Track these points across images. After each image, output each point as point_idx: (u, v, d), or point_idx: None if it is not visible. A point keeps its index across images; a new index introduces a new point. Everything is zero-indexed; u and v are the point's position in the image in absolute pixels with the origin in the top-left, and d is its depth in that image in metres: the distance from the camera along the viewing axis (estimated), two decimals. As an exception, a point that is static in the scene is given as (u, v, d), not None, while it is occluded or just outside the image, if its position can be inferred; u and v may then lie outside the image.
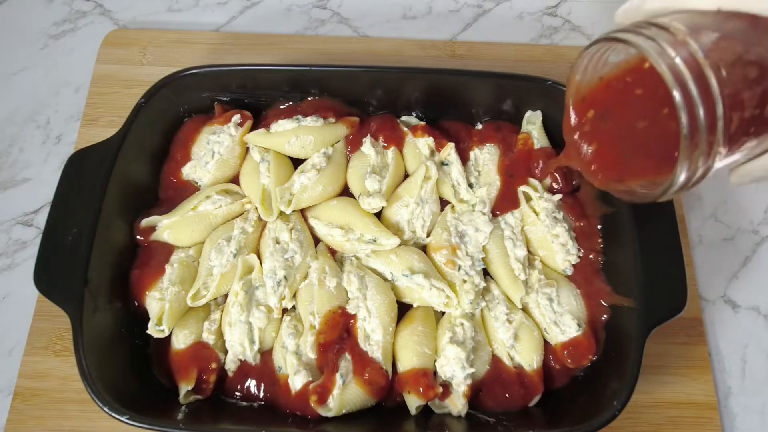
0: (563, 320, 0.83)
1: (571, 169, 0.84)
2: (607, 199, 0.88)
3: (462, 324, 0.82)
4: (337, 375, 0.78)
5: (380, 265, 0.87)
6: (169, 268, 0.86)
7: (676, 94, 0.43)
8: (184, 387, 0.80)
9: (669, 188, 0.49)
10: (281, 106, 0.97)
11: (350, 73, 0.93)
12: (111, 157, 0.85)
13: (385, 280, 0.86)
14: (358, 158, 0.94)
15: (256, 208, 0.90)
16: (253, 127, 0.95)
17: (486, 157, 0.96)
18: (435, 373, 0.81)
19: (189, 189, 0.94)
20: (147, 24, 1.17)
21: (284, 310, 0.85)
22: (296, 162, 0.94)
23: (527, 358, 0.83)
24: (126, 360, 0.82)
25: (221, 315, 0.85)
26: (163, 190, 0.95)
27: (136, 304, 0.85)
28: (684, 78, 0.43)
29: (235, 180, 0.95)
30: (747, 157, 0.48)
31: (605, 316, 0.85)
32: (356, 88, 0.95)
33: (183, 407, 0.78)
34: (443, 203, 0.94)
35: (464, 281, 0.85)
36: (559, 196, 0.91)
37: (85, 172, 0.84)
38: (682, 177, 0.47)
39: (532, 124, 0.95)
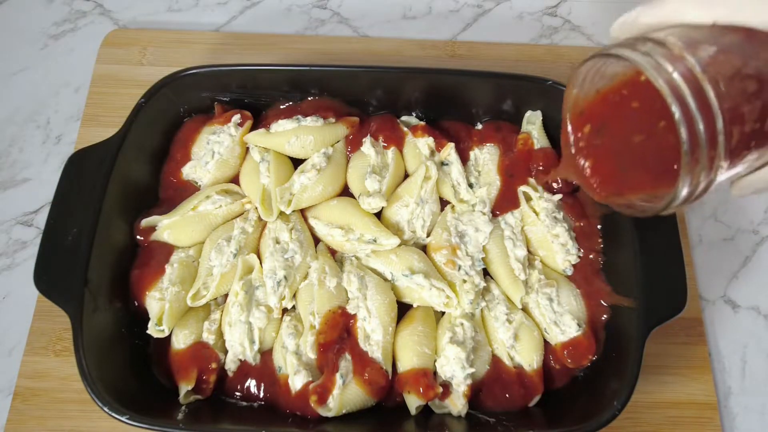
0: (563, 320, 0.83)
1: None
2: (607, 199, 0.88)
3: (462, 324, 0.82)
4: (337, 375, 0.78)
5: (380, 265, 0.87)
6: (169, 268, 0.86)
7: (676, 110, 0.43)
8: (184, 387, 0.80)
9: (671, 203, 0.48)
10: (281, 106, 0.97)
11: (350, 73, 0.93)
12: (111, 157, 0.85)
13: (385, 280, 0.86)
14: (358, 158, 0.94)
15: (256, 208, 0.90)
16: (253, 127, 0.95)
17: (486, 157, 0.96)
18: (435, 373, 0.81)
19: (189, 189, 0.94)
20: (147, 24, 1.17)
21: (284, 310, 0.85)
22: (296, 162, 0.94)
23: (527, 358, 0.83)
24: (126, 360, 0.82)
25: (221, 315, 0.85)
26: (163, 190, 0.95)
27: (136, 304, 0.85)
28: (682, 93, 0.43)
29: (235, 180, 0.95)
30: (748, 169, 0.48)
31: (605, 316, 0.85)
32: (356, 88, 0.95)
33: (183, 407, 0.78)
34: (443, 203, 0.94)
35: (464, 281, 0.85)
36: (559, 196, 0.91)
37: (85, 172, 0.84)
38: (684, 192, 0.46)
39: (532, 124, 0.95)
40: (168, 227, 0.88)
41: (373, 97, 0.96)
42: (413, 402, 0.79)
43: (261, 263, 0.86)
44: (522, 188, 0.92)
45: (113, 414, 0.71)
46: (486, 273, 0.90)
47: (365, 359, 0.80)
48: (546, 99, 0.93)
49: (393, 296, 0.85)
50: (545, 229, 0.89)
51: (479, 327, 0.84)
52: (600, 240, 0.89)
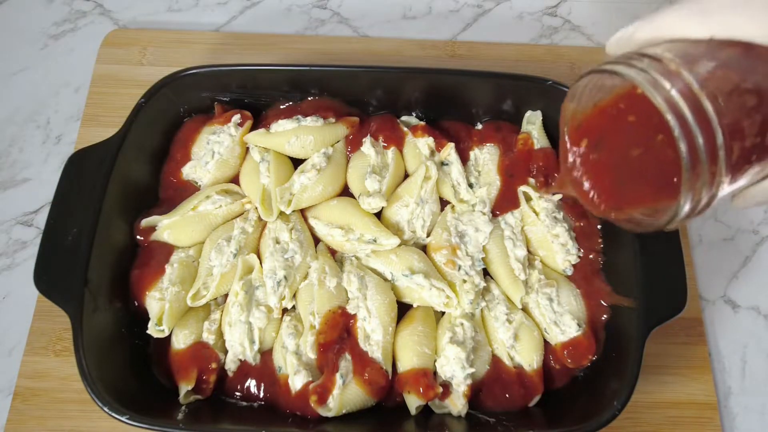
0: (563, 320, 0.83)
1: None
2: (607, 199, 0.88)
3: (462, 324, 0.82)
4: (337, 375, 0.78)
5: (380, 265, 0.87)
6: (169, 268, 0.86)
7: (675, 127, 0.42)
8: (184, 387, 0.80)
9: (674, 218, 0.48)
10: (281, 106, 0.97)
11: (350, 73, 0.93)
12: (111, 157, 0.85)
13: (385, 280, 0.86)
14: (358, 158, 0.94)
15: (256, 208, 0.90)
16: (253, 127, 0.95)
17: (486, 157, 0.96)
18: (435, 373, 0.81)
19: (189, 189, 0.94)
20: (147, 24, 1.17)
21: (284, 310, 0.85)
22: (296, 162, 0.94)
23: (527, 358, 0.83)
24: (126, 360, 0.82)
25: (221, 315, 0.85)
26: (163, 190, 0.95)
27: (136, 304, 0.85)
28: (681, 110, 0.42)
29: (235, 180, 0.95)
30: (751, 182, 0.47)
31: (605, 316, 0.85)
32: (356, 88, 0.95)
33: (183, 407, 0.78)
34: (443, 203, 0.94)
35: (464, 281, 0.85)
36: (559, 196, 0.91)
37: (85, 172, 0.84)
38: (686, 207, 0.46)
39: (532, 124, 0.95)
40: (168, 227, 0.88)
41: (373, 97, 0.96)
42: (413, 402, 0.79)
43: (261, 263, 0.86)
44: (522, 188, 0.92)
45: (113, 414, 0.71)
46: (486, 273, 0.90)
47: (365, 359, 0.80)
48: (546, 99, 0.93)
49: (393, 296, 0.85)
50: (545, 229, 0.89)
51: (479, 327, 0.84)
52: (600, 240, 0.89)
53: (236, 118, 0.94)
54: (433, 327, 0.84)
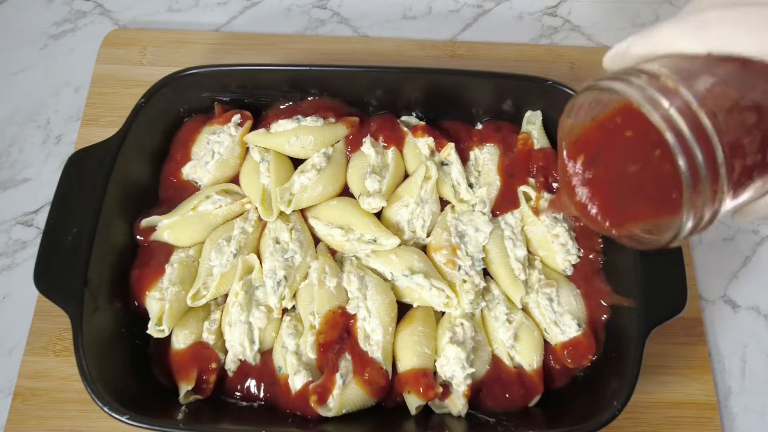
0: (563, 320, 0.83)
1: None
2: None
3: (462, 324, 0.82)
4: (337, 375, 0.78)
5: (380, 265, 0.87)
6: (169, 268, 0.86)
7: (674, 145, 0.42)
8: (184, 387, 0.80)
9: (677, 235, 0.47)
10: (281, 106, 0.97)
11: (350, 73, 0.93)
12: (111, 157, 0.85)
13: (385, 280, 0.86)
14: (358, 158, 0.94)
15: (256, 208, 0.90)
16: (253, 127, 0.95)
17: (486, 157, 0.96)
18: (435, 373, 0.81)
19: (189, 189, 0.94)
20: (147, 24, 1.17)
21: (284, 310, 0.85)
22: (296, 162, 0.94)
23: (527, 358, 0.83)
24: (126, 360, 0.82)
25: (221, 315, 0.85)
26: (163, 190, 0.95)
27: (136, 304, 0.85)
28: (680, 128, 0.42)
29: (235, 180, 0.95)
30: (753, 197, 0.47)
31: (605, 316, 0.85)
32: (356, 88, 0.95)
33: (183, 407, 0.78)
34: (443, 203, 0.94)
35: (464, 281, 0.85)
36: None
37: (85, 172, 0.84)
38: (689, 224, 0.46)
39: (532, 124, 0.95)
40: (168, 227, 0.88)
41: (373, 97, 0.96)
42: (413, 402, 0.79)
43: (261, 263, 0.86)
44: (522, 188, 0.92)
45: (113, 414, 0.71)
46: (486, 273, 0.90)
47: (365, 359, 0.80)
48: (546, 99, 0.93)
49: (393, 296, 0.85)
50: (545, 229, 0.89)
51: (479, 327, 0.84)
52: (600, 240, 0.89)
53: (236, 118, 0.94)
54: (433, 327, 0.84)
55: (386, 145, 0.95)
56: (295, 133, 0.92)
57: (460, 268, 0.86)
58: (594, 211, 0.57)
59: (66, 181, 0.84)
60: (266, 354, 0.84)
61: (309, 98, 0.96)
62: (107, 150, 0.85)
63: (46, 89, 1.11)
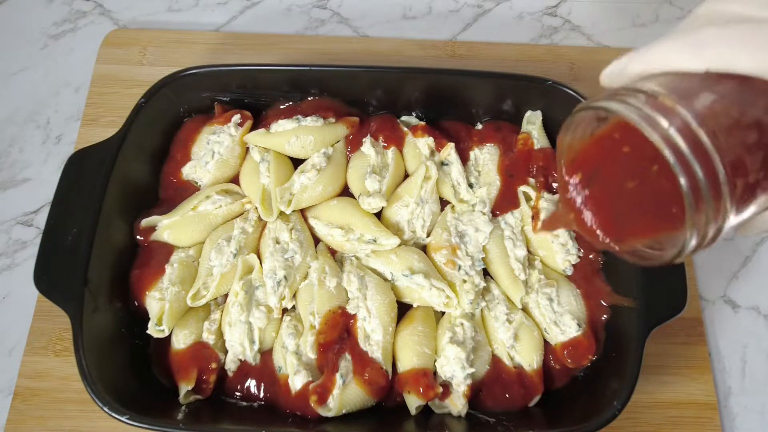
0: (563, 320, 0.83)
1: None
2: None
3: (462, 324, 0.82)
4: (337, 375, 0.78)
5: (380, 265, 0.87)
6: (169, 268, 0.86)
7: (675, 165, 0.41)
8: (184, 387, 0.80)
9: (681, 253, 0.47)
10: (281, 106, 0.97)
11: (350, 73, 0.93)
12: (111, 157, 0.85)
13: (385, 280, 0.86)
14: (358, 158, 0.94)
15: (256, 208, 0.90)
16: (253, 127, 0.95)
17: (486, 157, 0.96)
18: (435, 373, 0.81)
19: (189, 189, 0.94)
20: (147, 24, 1.17)
21: (284, 310, 0.85)
22: (296, 162, 0.94)
23: (527, 358, 0.83)
24: (126, 360, 0.82)
25: (221, 315, 0.85)
26: (163, 190, 0.95)
27: (136, 304, 0.85)
28: (680, 148, 0.41)
29: (235, 180, 0.95)
30: (756, 212, 0.46)
31: (605, 316, 0.85)
32: (356, 88, 0.95)
33: (183, 407, 0.78)
34: (443, 203, 0.94)
35: (464, 281, 0.85)
36: (559, 196, 0.90)
37: (85, 172, 0.84)
38: (692, 242, 0.45)
39: (532, 124, 0.95)
40: (168, 227, 0.88)
41: (373, 97, 0.96)
42: (413, 402, 0.79)
43: (261, 263, 0.86)
44: (522, 188, 0.92)
45: (113, 414, 0.71)
46: (486, 273, 0.90)
47: (365, 359, 0.80)
48: (546, 99, 0.93)
49: (393, 296, 0.85)
50: (545, 229, 0.89)
51: (479, 327, 0.84)
52: (600, 240, 0.89)
53: (236, 118, 0.94)
54: (433, 327, 0.84)
55: (386, 145, 0.95)
56: (295, 133, 0.92)
57: (460, 268, 0.86)
58: (594, 226, 0.57)
59: (66, 181, 0.84)
60: (266, 354, 0.84)
61: (309, 98, 0.96)
62: (107, 150, 0.85)
63: (46, 89, 1.11)
